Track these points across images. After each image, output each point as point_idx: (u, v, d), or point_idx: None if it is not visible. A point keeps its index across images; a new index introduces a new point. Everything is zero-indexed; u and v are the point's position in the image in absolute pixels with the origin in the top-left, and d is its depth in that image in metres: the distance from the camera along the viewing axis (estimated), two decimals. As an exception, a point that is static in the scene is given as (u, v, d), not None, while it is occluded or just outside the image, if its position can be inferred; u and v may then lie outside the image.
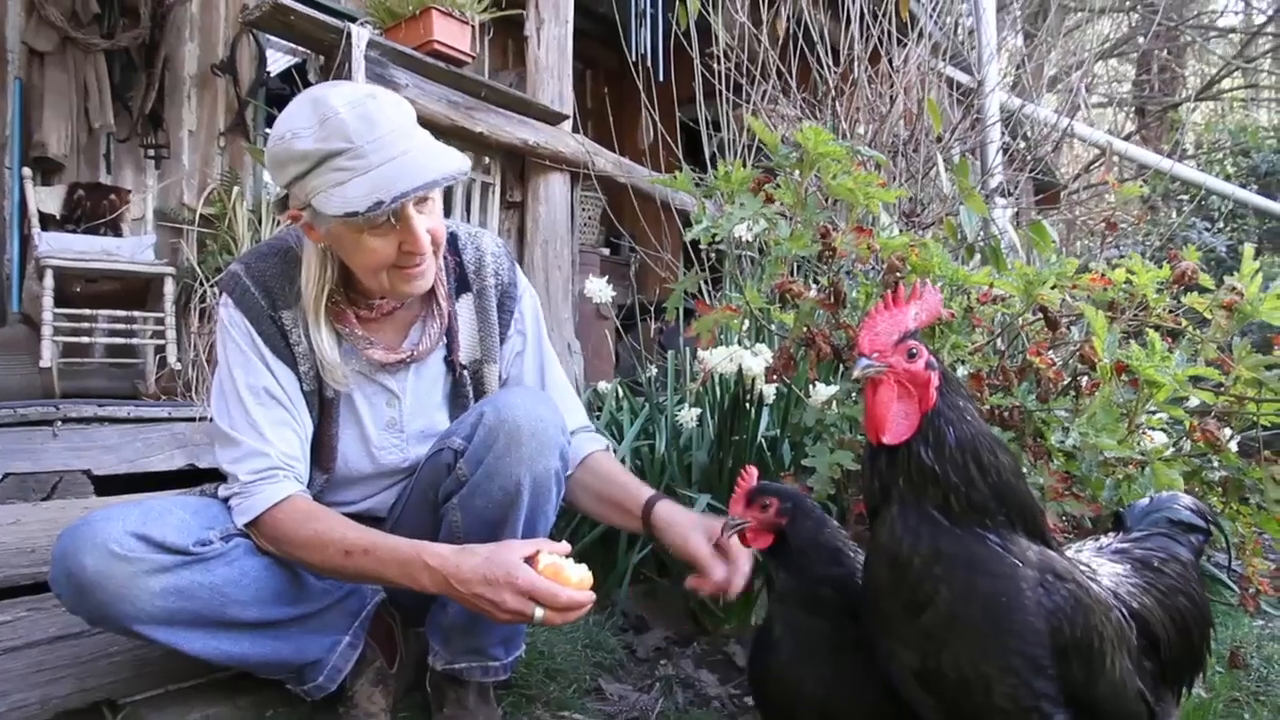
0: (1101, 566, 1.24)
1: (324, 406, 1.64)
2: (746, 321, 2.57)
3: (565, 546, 1.40)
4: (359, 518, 1.60)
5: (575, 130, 3.95)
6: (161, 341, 3.97)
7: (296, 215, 1.47)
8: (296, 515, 1.48)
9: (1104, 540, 1.36)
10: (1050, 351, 1.81)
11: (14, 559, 2.02)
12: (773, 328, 1.99)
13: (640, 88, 3.63)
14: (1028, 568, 1.06)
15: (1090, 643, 1.06)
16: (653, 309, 3.47)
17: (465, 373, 1.74)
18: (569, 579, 1.34)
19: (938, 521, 1.08)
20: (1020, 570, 1.06)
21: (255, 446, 1.51)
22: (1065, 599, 1.06)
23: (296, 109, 1.43)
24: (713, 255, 2.98)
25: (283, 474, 1.51)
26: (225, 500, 1.54)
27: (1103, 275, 1.74)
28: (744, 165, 1.81)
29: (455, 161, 1.44)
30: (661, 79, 3.99)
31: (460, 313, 1.74)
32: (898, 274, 1.77)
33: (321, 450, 1.66)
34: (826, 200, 2.03)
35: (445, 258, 1.69)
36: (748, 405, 2.35)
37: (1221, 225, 6.97)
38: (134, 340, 4.06)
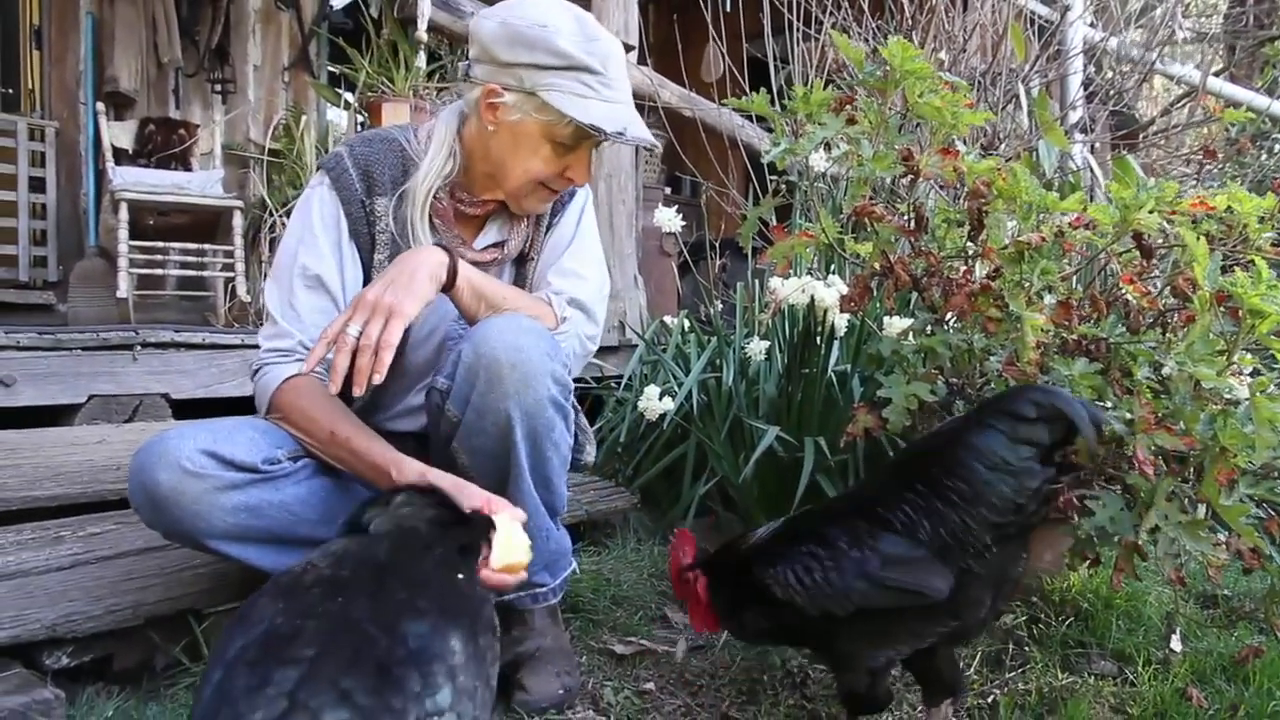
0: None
1: None
2: (816, 256, 2.51)
3: (520, 514, 1.29)
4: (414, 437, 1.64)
5: (640, 64, 3.86)
6: (231, 275, 4.04)
7: (495, 90, 1.53)
8: (300, 391, 1.52)
9: None
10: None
11: (102, 475, 2.09)
12: (846, 256, 1.94)
13: (708, 19, 3.53)
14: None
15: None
16: (718, 245, 3.41)
17: (513, 267, 1.76)
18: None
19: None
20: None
21: (286, 328, 1.56)
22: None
23: (557, 9, 1.54)
24: (782, 188, 2.91)
25: (296, 356, 1.54)
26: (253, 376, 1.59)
27: (1202, 201, 1.65)
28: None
29: (646, 133, 1.61)
30: (728, 8, 3.88)
31: None
32: (983, 199, 1.70)
33: None
34: (903, 126, 1.96)
35: None
36: (818, 339, 2.30)
37: (1318, 169, 6.58)
38: (205, 273, 4.14)
